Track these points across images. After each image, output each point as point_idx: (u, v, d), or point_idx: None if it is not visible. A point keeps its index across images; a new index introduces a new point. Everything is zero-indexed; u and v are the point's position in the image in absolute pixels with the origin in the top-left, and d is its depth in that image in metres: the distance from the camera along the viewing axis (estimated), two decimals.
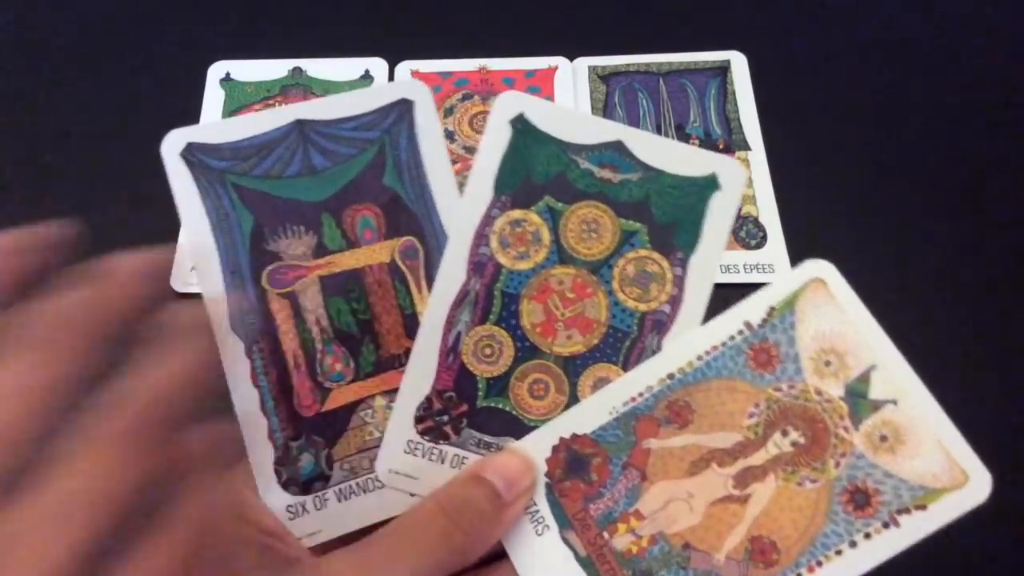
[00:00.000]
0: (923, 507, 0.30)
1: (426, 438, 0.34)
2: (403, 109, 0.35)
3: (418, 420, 0.34)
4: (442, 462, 0.34)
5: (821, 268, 0.33)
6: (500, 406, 0.34)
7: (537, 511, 0.33)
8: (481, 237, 0.35)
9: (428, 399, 0.34)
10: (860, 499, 0.31)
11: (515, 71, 0.61)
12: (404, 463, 0.34)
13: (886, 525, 0.31)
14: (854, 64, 0.62)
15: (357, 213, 0.35)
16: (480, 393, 0.34)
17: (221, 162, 0.33)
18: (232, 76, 0.60)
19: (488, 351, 0.34)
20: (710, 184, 0.34)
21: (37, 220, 0.53)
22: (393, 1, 0.65)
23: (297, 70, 0.60)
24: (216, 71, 0.60)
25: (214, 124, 0.34)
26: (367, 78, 0.60)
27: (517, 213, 0.35)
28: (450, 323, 0.34)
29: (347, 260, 0.34)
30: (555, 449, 0.33)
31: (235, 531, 0.31)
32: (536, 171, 0.35)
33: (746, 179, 0.34)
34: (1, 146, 0.58)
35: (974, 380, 0.50)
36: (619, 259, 0.35)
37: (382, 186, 0.35)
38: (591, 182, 0.35)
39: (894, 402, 0.31)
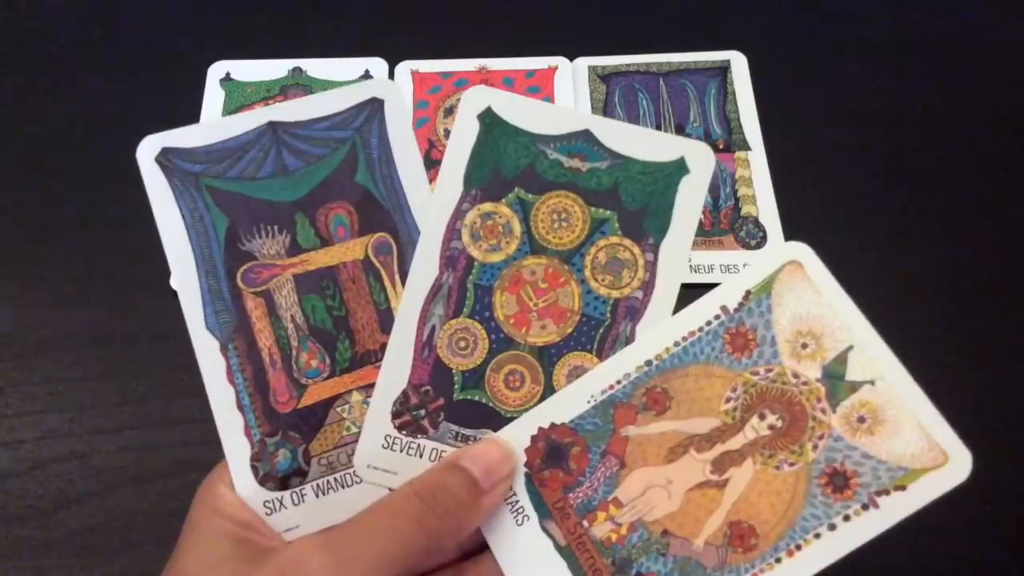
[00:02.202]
0: (902, 487, 0.29)
1: (403, 432, 0.33)
2: (374, 108, 0.35)
3: (395, 415, 0.33)
4: (420, 456, 0.33)
5: (797, 250, 0.32)
6: (476, 398, 0.33)
7: (517, 501, 0.32)
8: (452, 231, 0.34)
9: (404, 393, 0.34)
10: (839, 481, 0.30)
11: (515, 71, 0.60)
12: (382, 458, 0.33)
13: (865, 507, 0.29)
14: (854, 64, 0.61)
15: (330, 211, 0.34)
16: (456, 386, 0.34)
17: (195, 165, 0.33)
18: (232, 76, 0.59)
19: (463, 344, 0.34)
20: (679, 168, 0.33)
21: (38, 219, 0.54)
22: (393, 1, 0.64)
23: (297, 70, 0.60)
24: (216, 71, 0.59)
25: (188, 129, 0.34)
26: (367, 78, 0.59)
27: (487, 206, 0.34)
28: (424, 317, 0.34)
29: (321, 258, 0.34)
30: (534, 439, 0.32)
31: (210, 525, 0.31)
32: (505, 164, 0.34)
33: (714, 162, 0.33)
34: (2, 145, 0.58)
35: (953, 362, 0.48)
36: (590, 247, 0.34)
37: (354, 184, 0.35)
38: (560, 172, 0.34)
39: (872, 383, 0.30)
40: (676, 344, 0.32)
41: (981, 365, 0.49)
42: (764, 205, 0.53)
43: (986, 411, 0.47)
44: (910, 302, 0.51)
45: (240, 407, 0.33)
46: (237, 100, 0.58)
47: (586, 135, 0.34)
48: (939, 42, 0.62)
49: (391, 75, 0.60)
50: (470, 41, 0.61)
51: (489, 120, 0.34)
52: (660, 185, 0.33)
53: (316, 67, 0.60)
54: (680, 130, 0.57)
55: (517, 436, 0.32)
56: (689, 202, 0.33)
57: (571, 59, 0.60)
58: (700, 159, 0.33)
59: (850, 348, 0.30)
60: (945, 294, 0.51)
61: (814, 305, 0.31)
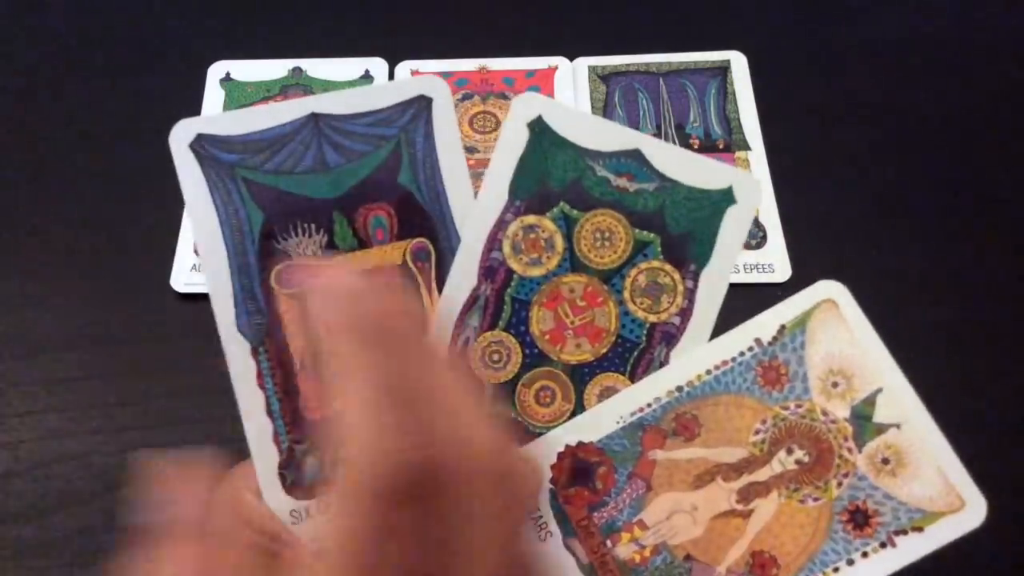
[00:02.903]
0: (920, 529, 0.30)
1: None
2: (421, 106, 0.34)
3: None
4: None
5: (833, 289, 0.32)
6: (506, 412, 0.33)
7: (540, 517, 0.32)
8: (494, 241, 0.33)
9: None
10: (860, 519, 0.31)
11: (515, 71, 0.59)
12: None
13: (883, 545, 0.30)
14: (854, 64, 0.61)
15: (370, 212, 0.33)
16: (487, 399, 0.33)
17: (231, 155, 0.31)
18: (232, 76, 0.59)
19: (496, 357, 0.33)
20: (726, 197, 0.33)
21: (38, 219, 0.53)
22: (393, 1, 0.64)
23: (297, 70, 0.59)
24: (216, 71, 0.59)
25: (225, 115, 0.32)
26: (367, 78, 0.58)
27: (531, 219, 0.33)
28: (459, 328, 0.33)
29: (358, 260, 0.33)
30: (560, 456, 0.32)
31: (237, 536, 0.30)
32: (552, 176, 0.33)
33: (761, 195, 0.33)
34: (2, 145, 0.57)
35: (952, 361, 0.50)
36: (631, 269, 0.33)
37: (396, 185, 0.33)
38: (607, 190, 0.33)
39: (898, 426, 0.31)
40: (708, 372, 0.32)
41: (979, 364, 0.50)
42: (764, 205, 0.54)
43: (979, 404, 0.48)
44: (910, 302, 0.52)
45: (270, 413, 0.32)
46: (237, 100, 0.57)
47: (636, 155, 0.33)
48: (939, 42, 0.62)
49: (391, 75, 0.59)
50: (470, 41, 0.60)
51: (539, 129, 0.33)
52: (705, 212, 0.33)
53: (316, 67, 0.59)
54: (680, 130, 0.57)
55: (544, 452, 0.32)
56: (733, 232, 0.33)
57: (571, 59, 0.60)
58: (748, 190, 0.33)
59: (879, 391, 0.31)
60: (945, 294, 0.52)
61: (847, 345, 0.32)
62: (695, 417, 0.32)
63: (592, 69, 0.59)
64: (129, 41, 0.62)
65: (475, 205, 0.33)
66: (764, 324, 0.32)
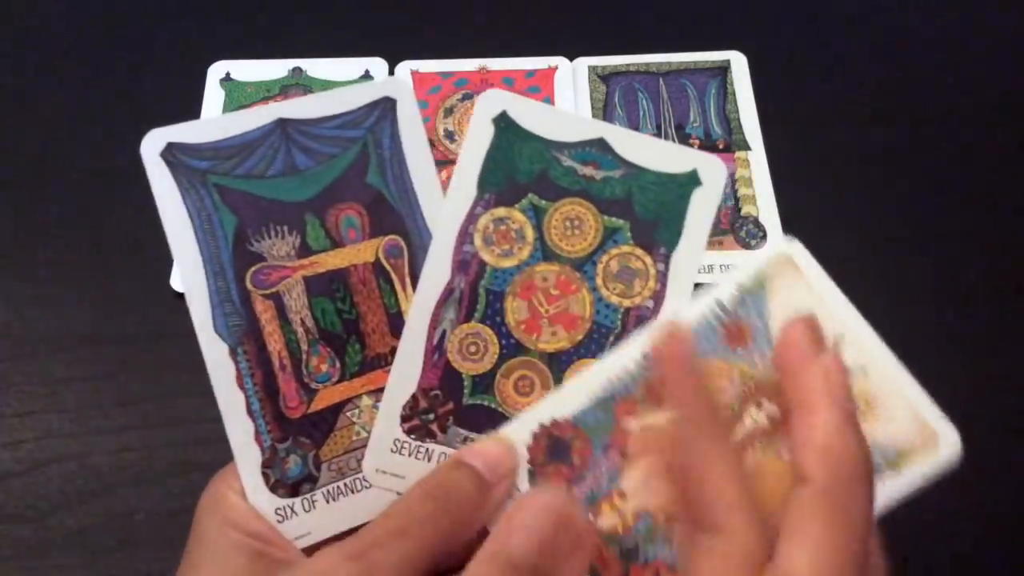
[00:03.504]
0: (896, 469, 0.29)
1: (412, 437, 0.33)
2: (386, 107, 0.34)
3: (404, 419, 0.33)
4: (429, 460, 0.33)
5: (789, 247, 0.32)
6: (486, 403, 0.33)
7: None
8: (465, 235, 0.33)
9: (414, 398, 0.33)
10: None
11: (515, 71, 0.59)
12: (391, 462, 0.33)
13: None
14: (854, 64, 0.61)
15: (341, 212, 0.34)
16: (466, 391, 0.33)
17: (203, 162, 0.32)
18: (232, 76, 0.59)
19: (473, 349, 0.33)
20: (691, 180, 0.33)
21: (38, 219, 0.54)
22: (393, 1, 0.64)
23: (297, 70, 0.59)
24: (216, 71, 0.59)
25: (195, 123, 0.32)
26: (367, 78, 0.59)
27: (501, 211, 0.33)
28: (435, 321, 0.33)
29: (331, 260, 0.33)
30: (536, 436, 0.31)
31: (223, 538, 0.30)
32: (519, 169, 0.34)
33: (726, 175, 0.33)
34: (2, 145, 0.57)
35: (951, 360, 0.49)
36: (602, 255, 0.33)
37: (365, 185, 0.34)
38: (574, 179, 0.33)
39: (863, 369, 0.30)
40: None
41: (979, 364, 0.49)
42: (764, 205, 0.53)
43: (979, 404, 0.47)
44: (910, 301, 0.51)
45: (250, 413, 0.32)
46: (237, 100, 0.58)
47: (600, 143, 0.34)
48: (939, 41, 0.62)
49: (391, 75, 0.59)
50: (470, 41, 0.61)
51: (504, 124, 0.34)
52: (672, 196, 0.33)
53: (316, 67, 0.59)
54: (680, 130, 0.57)
55: (519, 433, 0.31)
56: (700, 214, 0.33)
57: (571, 59, 0.60)
58: (713, 172, 0.33)
59: (840, 336, 0.31)
60: (945, 294, 0.52)
61: (806, 296, 0.31)
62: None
63: (592, 69, 0.59)
64: (129, 41, 0.62)
65: (445, 200, 0.34)
66: (724, 287, 0.32)
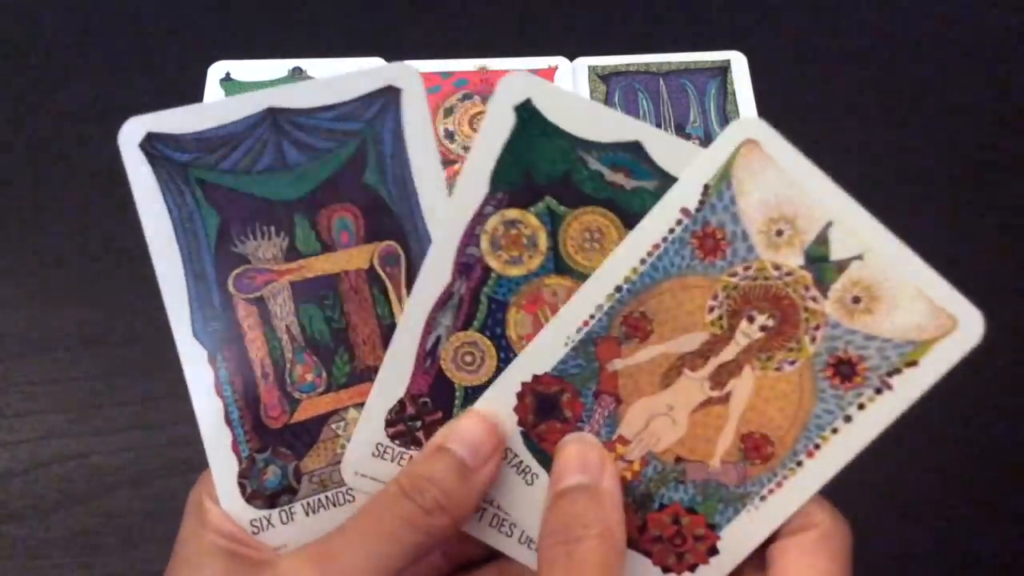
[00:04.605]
0: (914, 363, 0.26)
1: (396, 442, 0.30)
2: (389, 98, 0.31)
3: (389, 423, 0.30)
4: None
5: (751, 127, 0.27)
6: None
7: (521, 462, 0.29)
8: (471, 236, 0.30)
9: (401, 403, 0.30)
10: (845, 370, 0.27)
11: (515, 71, 0.57)
12: (371, 466, 0.30)
13: (879, 391, 0.26)
14: (854, 64, 0.60)
15: (333, 214, 0.31)
16: (457, 402, 0.30)
17: (184, 154, 0.29)
18: (232, 76, 0.58)
19: (469, 359, 0.30)
20: None
21: (38, 219, 0.52)
22: (393, 1, 0.63)
23: (297, 70, 0.58)
24: (216, 71, 0.58)
25: (176, 112, 0.29)
26: None
27: (513, 213, 0.30)
28: (430, 325, 0.30)
29: (321, 265, 0.31)
30: (520, 396, 0.29)
31: (200, 540, 0.29)
32: (539, 167, 0.30)
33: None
34: (2, 145, 0.56)
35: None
36: None
37: (362, 185, 0.31)
38: (600, 186, 0.30)
39: (860, 257, 0.27)
40: (642, 262, 0.28)
41: (982, 364, 0.48)
42: None
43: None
44: None
45: (228, 421, 0.29)
46: None
47: (635, 147, 0.29)
48: (939, 41, 0.61)
49: None
50: (470, 41, 0.60)
51: (527, 114, 0.30)
52: None
53: (316, 67, 0.59)
54: (680, 130, 0.56)
55: (502, 397, 0.29)
56: None
57: (571, 59, 0.59)
58: None
59: (829, 225, 0.27)
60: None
61: (781, 185, 0.27)
62: (643, 314, 0.28)
63: (592, 69, 0.58)
64: (129, 41, 0.61)
65: (452, 195, 0.30)
66: (686, 190, 0.28)
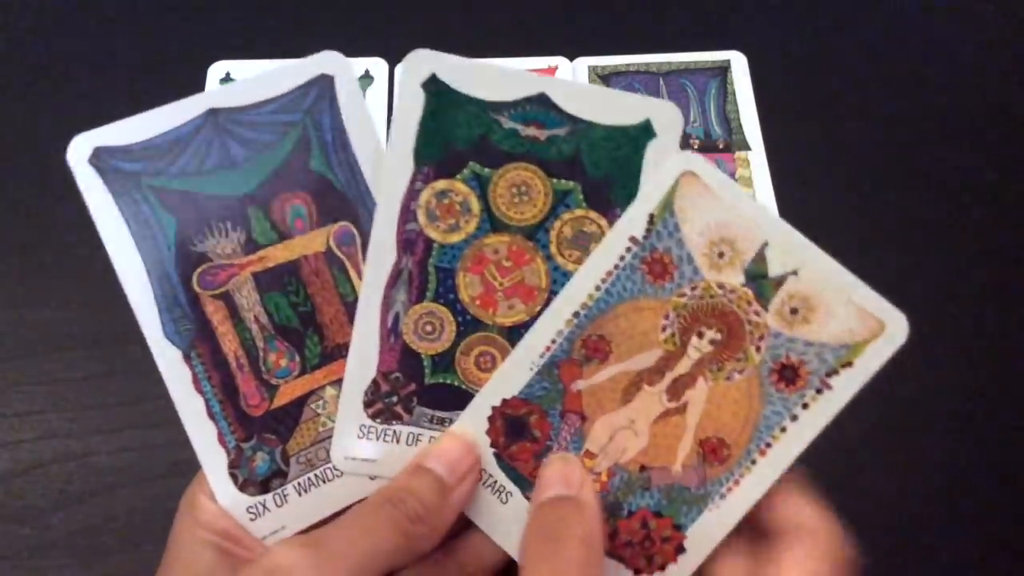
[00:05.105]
0: (850, 364, 0.29)
1: (378, 421, 0.32)
2: (323, 86, 0.32)
3: (367, 404, 0.32)
4: (397, 442, 0.32)
5: (688, 160, 0.30)
6: (448, 381, 0.32)
7: (495, 482, 0.31)
8: (407, 212, 0.31)
9: (374, 382, 0.32)
10: (788, 374, 0.29)
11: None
12: (359, 448, 0.32)
13: (819, 391, 0.29)
14: (854, 64, 0.59)
15: (286, 203, 0.32)
16: (426, 370, 0.32)
17: (134, 164, 0.31)
18: (232, 76, 0.58)
19: (429, 328, 0.32)
20: (644, 131, 0.31)
21: (38, 219, 0.52)
22: (393, 1, 0.62)
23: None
24: (216, 71, 0.58)
25: (121, 124, 0.31)
26: (367, 78, 0.57)
27: (442, 184, 0.31)
28: (387, 304, 0.32)
29: (280, 253, 0.32)
30: (491, 419, 0.31)
31: (191, 537, 0.30)
32: (456, 136, 0.31)
33: (682, 122, 0.30)
34: (2, 144, 0.56)
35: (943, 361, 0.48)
36: (555, 221, 0.31)
37: (309, 172, 0.32)
38: (517, 142, 0.31)
39: (795, 273, 0.29)
40: (597, 288, 0.30)
41: (985, 370, 0.48)
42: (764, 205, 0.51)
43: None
44: (909, 302, 0.49)
45: (211, 415, 0.31)
46: None
47: (542, 99, 0.31)
48: (939, 41, 0.60)
49: (391, 75, 0.57)
50: (470, 41, 0.59)
51: (435, 89, 0.31)
52: (625, 151, 0.31)
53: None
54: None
55: (475, 421, 0.31)
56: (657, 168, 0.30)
57: (571, 59, 0.58)
58: (667, 120, 0.30)
59: (765, 245, 0.29)
60: (944, 293, 0.51)
61: (719, 212, 0.29)
62: (601, 337, 0.30)
63: (592, 69, 0.57)
64: (129, 41, 0.60)
65: (382, 178, 0.32)
66: (633, 219, 0.30)
